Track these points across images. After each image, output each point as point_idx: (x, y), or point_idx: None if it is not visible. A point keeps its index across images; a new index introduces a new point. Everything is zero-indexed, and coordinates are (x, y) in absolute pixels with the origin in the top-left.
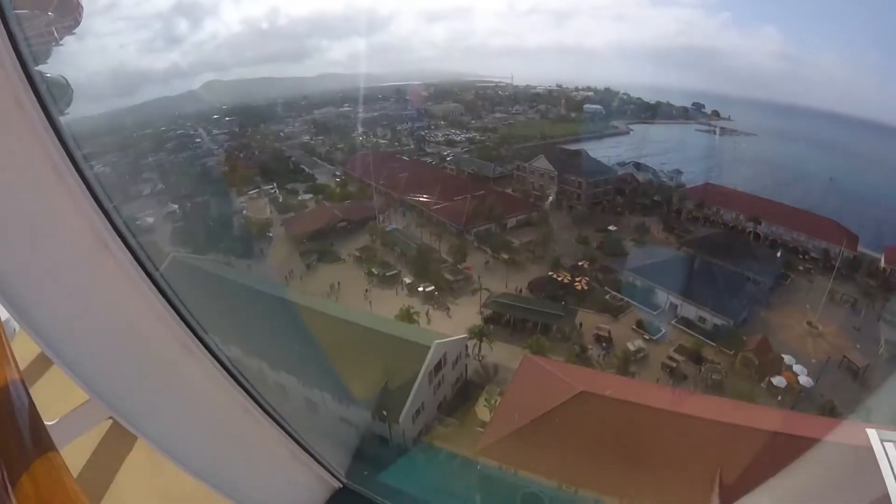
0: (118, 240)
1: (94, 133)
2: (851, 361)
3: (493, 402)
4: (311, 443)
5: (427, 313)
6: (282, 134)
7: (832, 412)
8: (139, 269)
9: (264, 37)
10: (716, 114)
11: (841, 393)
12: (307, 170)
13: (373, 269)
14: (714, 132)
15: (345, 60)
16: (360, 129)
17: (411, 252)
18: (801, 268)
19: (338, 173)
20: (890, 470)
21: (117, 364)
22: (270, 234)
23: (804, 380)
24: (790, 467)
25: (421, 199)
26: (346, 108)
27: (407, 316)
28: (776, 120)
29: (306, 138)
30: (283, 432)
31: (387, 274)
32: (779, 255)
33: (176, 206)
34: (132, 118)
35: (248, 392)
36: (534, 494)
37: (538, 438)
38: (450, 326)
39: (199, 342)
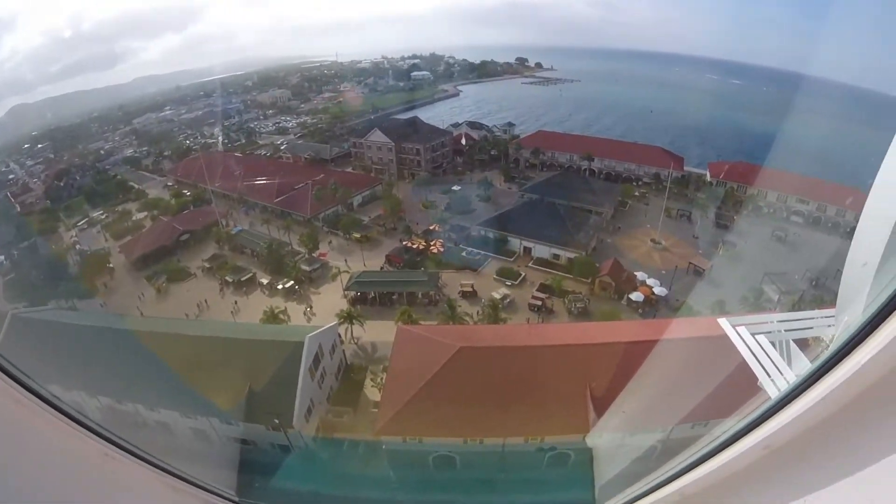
0: None
1: None
2: (697, 266)
3: (379, 380)
4: (193, 471)
5: (306, 310)
6: (102, 152)
7: (689, 311)
8: None
9: (69, 45)
10: (539, 65)
11: (694, 294)
12: (137, 186)
13: (226, 277)
14: (540, 83)
15: (161, 59)
16: (186, 132)
17: (262, 251)
18: (636, 193)
19: (170, 183)
20: (744, 345)
21: None
22: (111, 265)
23: (659, 290)
24: (654, 365)
25: (261, 193)
26: (168, 112)
27: (273, 316)
28: (596, 64)
29: (130, 151)
30: (156, 468)
31: (242, 279)
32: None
33: (1, 258)
34: None
35: (103, 436)
36: (444, 456)
37: (431, 402)
38: (318, 317)
39: (36, 397)
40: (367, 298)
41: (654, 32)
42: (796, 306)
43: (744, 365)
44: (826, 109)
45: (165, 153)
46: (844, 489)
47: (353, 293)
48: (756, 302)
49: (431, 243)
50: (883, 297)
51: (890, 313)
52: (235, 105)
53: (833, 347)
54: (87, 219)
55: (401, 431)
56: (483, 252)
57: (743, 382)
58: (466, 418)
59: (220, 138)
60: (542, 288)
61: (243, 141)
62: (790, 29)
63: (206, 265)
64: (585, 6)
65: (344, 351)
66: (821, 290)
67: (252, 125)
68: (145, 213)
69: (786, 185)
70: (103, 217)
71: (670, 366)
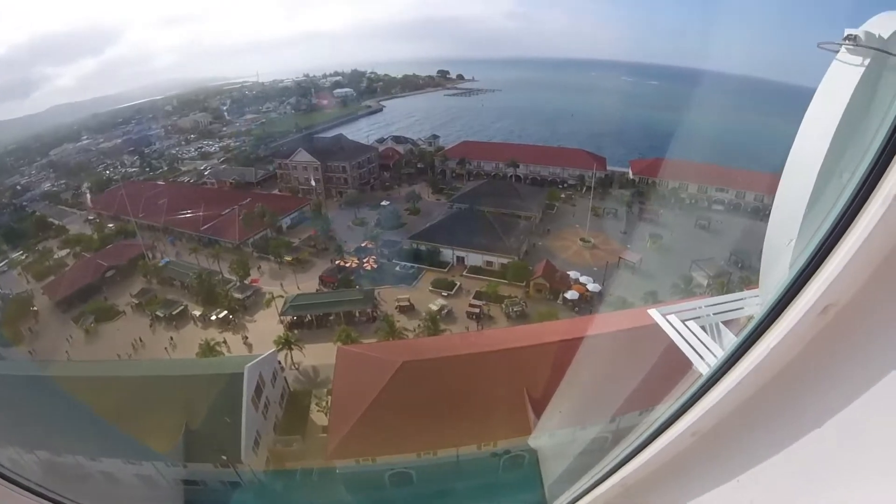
0: None
1: None
2: (627, 260)
3: (324, 404)
4: None
5: (244, 339)
6: (19, 187)
7: (624, 304)
8: None
9: None
10: (461, 77)
11: (627, 287)
12: (57, 222)
13: (157, 312)
14: (462, 94)
15: (77, 85)
16: (106, 161)
17: (192, 281)
18: (563, 196)
19: (91, 217)
20: (675, 332)
21: None
22: (35, 307)
23: (593, 287)
24: (586, 361)
25: (187, 222)
26: (86, 141)
27: (209, 349)
28: (517, 73)
29: (48, 185)
30: None
31: (173, 313)
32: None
33: None
34: None
35: (38, 493)
36: (399, 473)
37: (380, 420)
38: (256, 345)
39: None
40: (304, 322)
41: (570, 40)
42: (726, 288)
43: (678, 352)
44: (737, 103)
45: (85, 185)
46: (775, 466)
47: (289, 318)
48: (687, 288)
49: (364, 261)
50: (793, 274)
51: (798, 291)
52: (156, 131)
53: (748, 329)
54: (6, 260)
55: (353, 453)
56: (417, 265)
57: (677, 369)
58: (417, 432)
59: (142, 167)
60: (479, 295)
61: (165, 168)
62: (700, 30)
63: (135, 301)
64: (503, 18)
65: (286, 378)
66: (747, 271)
67: (174, 151)
68: (67, 251)
69: (705, 177)
70: (23, 257)
71: (603, 360)
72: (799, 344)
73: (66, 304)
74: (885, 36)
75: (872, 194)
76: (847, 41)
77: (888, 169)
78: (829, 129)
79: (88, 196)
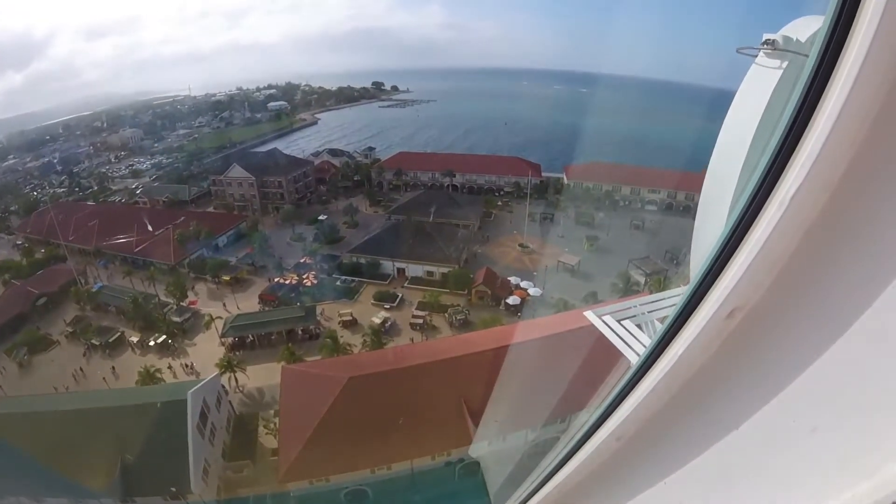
0: None
1: None
2: (565, 263)
3: (272, 426)
4: None
5: (187, 364)
6: None
7: (565, 307)
8: None
9: None
10: (395, 88)
11: (567, 289)
12: None
13: (92, 340)
14: (397, 105)
15: (1, 101)
16: (33, 182)
17: (127, 306)
18: (499, 203)
19: (19, 242)
20: (611, 332)
21: None
22: None
23: (534, 291)
24: (520, 367)
25: (120, 244)
26: (12, 160)
27: (149, 376)
28: (450, 83)
29: None
30: None
31: (110, 340)
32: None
33: None
34: None
35: None
36: (355, 491)
37: (331, 438)
38: (197, 369)
39: None
40: (246, 342)
41: (501, 50)
42: (663, 285)
43: (612, 353)
44: (664, 106)
45: (12, 208)
46: (699, 468)
47: (230, 339)
48: (625, 287)
49: (304, 277)
50: (697, 279)
51: (704, 295)
52: (84, 149)
53: (658, 334)
54: None
55: (306, 475)
56: (357, 279)
57: (610, 370)
58: (369, 448)
59: (71, 186)
60: (421, 306)
61: (95, 188)
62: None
63: (69, 329)
64: (436, 29)
65: (231, 401)
66: (684, 267)
67: (104, 169)
68: None
69: (637, 178)
70: None
71: (537, 365)
72: (709, 348)
73: None
74: (803, 39)
75: (769, 198)
76: (766, 45)
77: (784, 172)
78: (749, 130)
79: (15, 219)
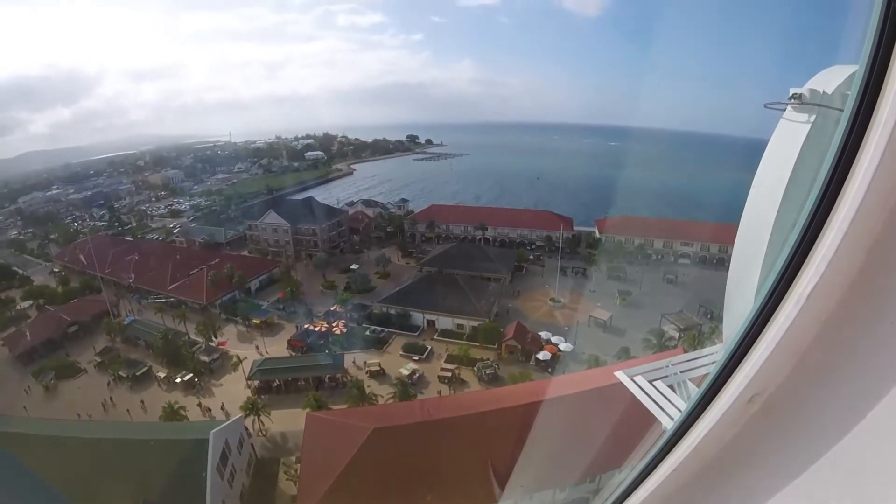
0: None
1: None
2: (597, 318)
3: (293, 472)
4: None
5: (219, 405)
6: None
7: (597, 363)
8: None
9: None
10: (429, 142)
11: (599, 345)
12: (21, 271)
13: (120, 373)
14: (430, 158)
15: (49, 133)
16: (74, 213)
17: (157, 342)
18: (531, 257)
19: (56, 269)
20: (643, 394)
21: None
22: None
23: (564, 346)
24: (550, 426)
25: (154, 280)
26: (56, 191)
27: (172, 412)
28: (482, 137)
29: (14, 233)
30: None
31: (137, 374)
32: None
33: None
34: None
35: None
36: None
37: (350, 489)
38: (223, 409)
39: None
40: (272, 386)
41: (530, 104)
42: (697, 340)
43: (644, 415)
44: (694, 158)
45: (52, 236)
46: None
47: (256, 382)
48: (658, 343)
49: (334, 324)
50: (720, 364)
51: (726, 381)
52: (126, 186)
53: (679, 418)
54: None
55: None
56: (387, 329)
57: (642, 432)
58: (389, 501)
59: (110, 221)
60: (450, 359)
61: (134, 224)
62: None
63: (98, 359)
64: (467, 84)
65: (252, 444)
66: (717, 321)
67: (143, 207)
68: (31, 302)
69: (670, 232)
70: None
71: (568, 423)
72: (729, 432)
73: (27, 358)
74: (829, 91)
75: (790, 289)
76: (793, 100)
77: (802, 266)
78: (780, 184)
79: (55, 247)
